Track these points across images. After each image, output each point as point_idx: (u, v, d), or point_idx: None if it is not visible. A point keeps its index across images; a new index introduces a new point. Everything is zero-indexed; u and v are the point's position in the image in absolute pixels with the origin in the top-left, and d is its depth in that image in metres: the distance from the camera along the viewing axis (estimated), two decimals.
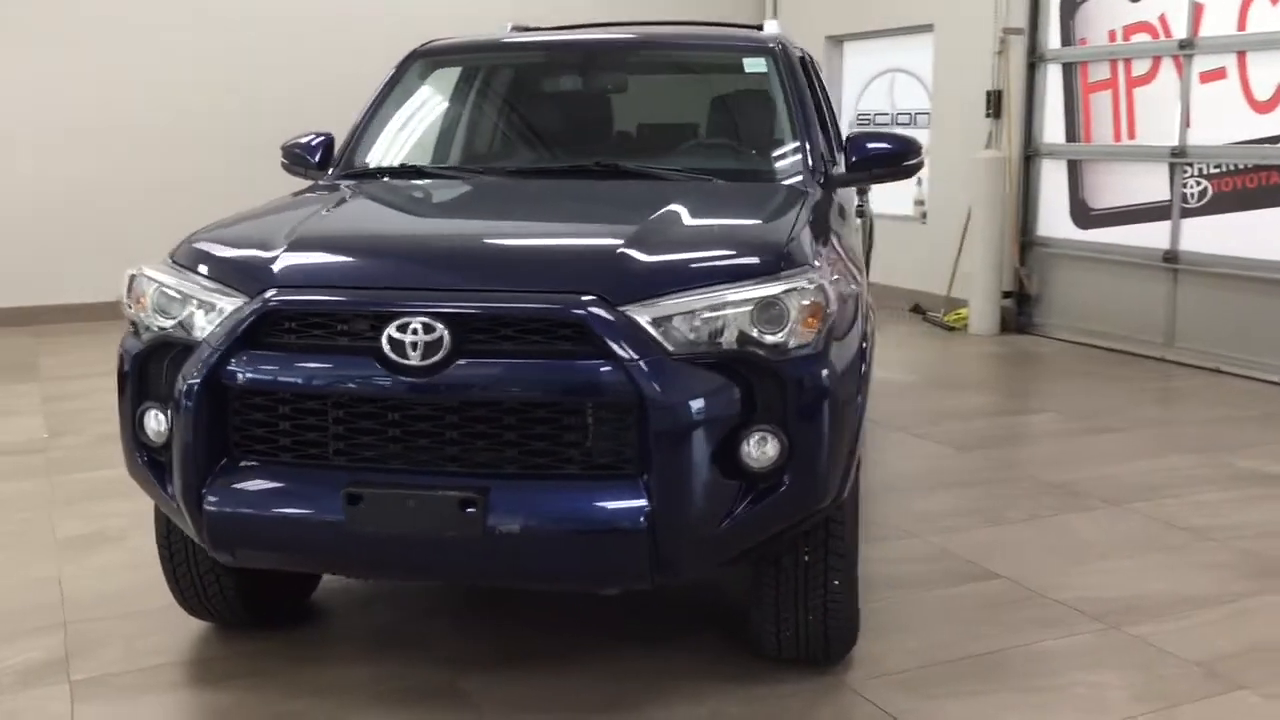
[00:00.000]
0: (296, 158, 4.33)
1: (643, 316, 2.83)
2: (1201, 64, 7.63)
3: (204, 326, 3.03)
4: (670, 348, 2.83)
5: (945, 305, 9.39)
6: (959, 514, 4.86)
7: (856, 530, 3.33)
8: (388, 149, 4.30)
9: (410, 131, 4.39)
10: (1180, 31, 7.74)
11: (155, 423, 3.12)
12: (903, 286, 9.96)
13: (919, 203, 10.09)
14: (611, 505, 2.80)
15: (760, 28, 4.81)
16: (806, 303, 2.91)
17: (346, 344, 2.90)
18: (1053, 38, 8.71)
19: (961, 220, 9.15)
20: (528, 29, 5.14)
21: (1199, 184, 7.69)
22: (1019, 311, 9.06)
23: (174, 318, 3.10)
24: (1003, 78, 8.91)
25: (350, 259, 3.21)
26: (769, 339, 2.89)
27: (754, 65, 4.24)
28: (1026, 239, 9.03)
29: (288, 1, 9.81)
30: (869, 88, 10.76)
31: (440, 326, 2.80)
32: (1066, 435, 6.22)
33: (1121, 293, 8.27)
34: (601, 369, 2.78)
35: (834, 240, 3.52)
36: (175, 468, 3.01)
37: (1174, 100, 7.82)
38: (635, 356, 2.78)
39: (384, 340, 2.82)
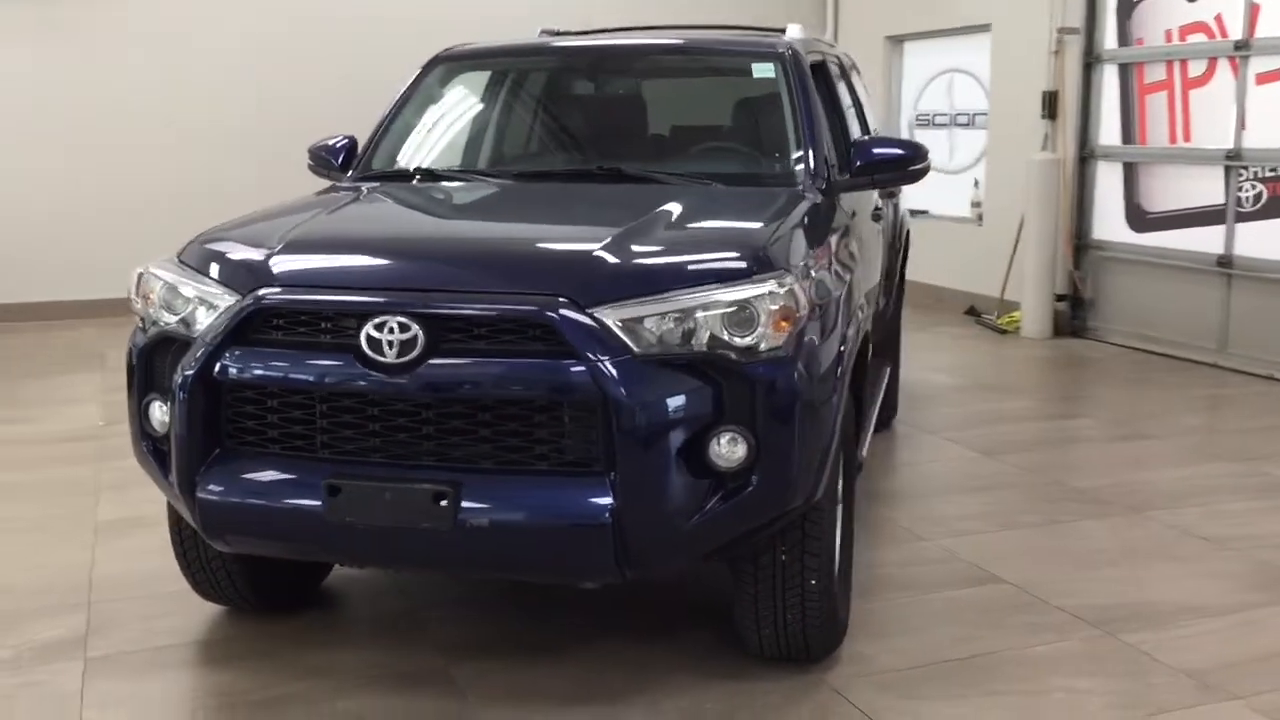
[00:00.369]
0: (321, 160, 4.48)
1: (611, 318, 2.91)
2: (1258, 65, 7.47)
3: (204, 323, 3.18)
4: (637, 349, 2.90)
5: (999, 308, 9.30)
6: (974, 518, 4.85)
7: (835, 531, 3.37)
8: (404, 152, 4.43)
9: (427, 135, 4.51)
10: (1236, 32, 7.59)
11: (159, 414, 3.28)
12: (959, 289, 9.90)
13: (976, 204, 10.00)
14: (577, 501, 2.89)
15: (783, 31, 4.85)
16: (777, 306, 2.96)
17: (329, 341, 3.02)
18: (1109, 38, 8.58)
19: (1017, 222, 9.06)
20: (558, 33, 5.24)
21: (1254, 187, 7.53)
22: (1073, 315, 8.94)
23: (177, 314, 3.25)
24: (1058, 78, 8.81)
25: (336, 260, 3.34)
26: (739, 341, 2.94)
27: (762, 70, 4.29)
28: (1081, 242, 8.91)
29: (327, 11, 10.11)
30: (928, 88, 10.69)
31: (415, 326, 2.92)
32: (1102, 441, 6.15)
33: (1175, 297, 8.12)
34: (568, 369, 2.87)
35: (828, 244, 3.56)
36: (173, 457, 3.16)
37: (1229, 102, 7.66)
38: (602, 357, 2.86)
39: (363, 338, 2.94)
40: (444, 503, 2.89)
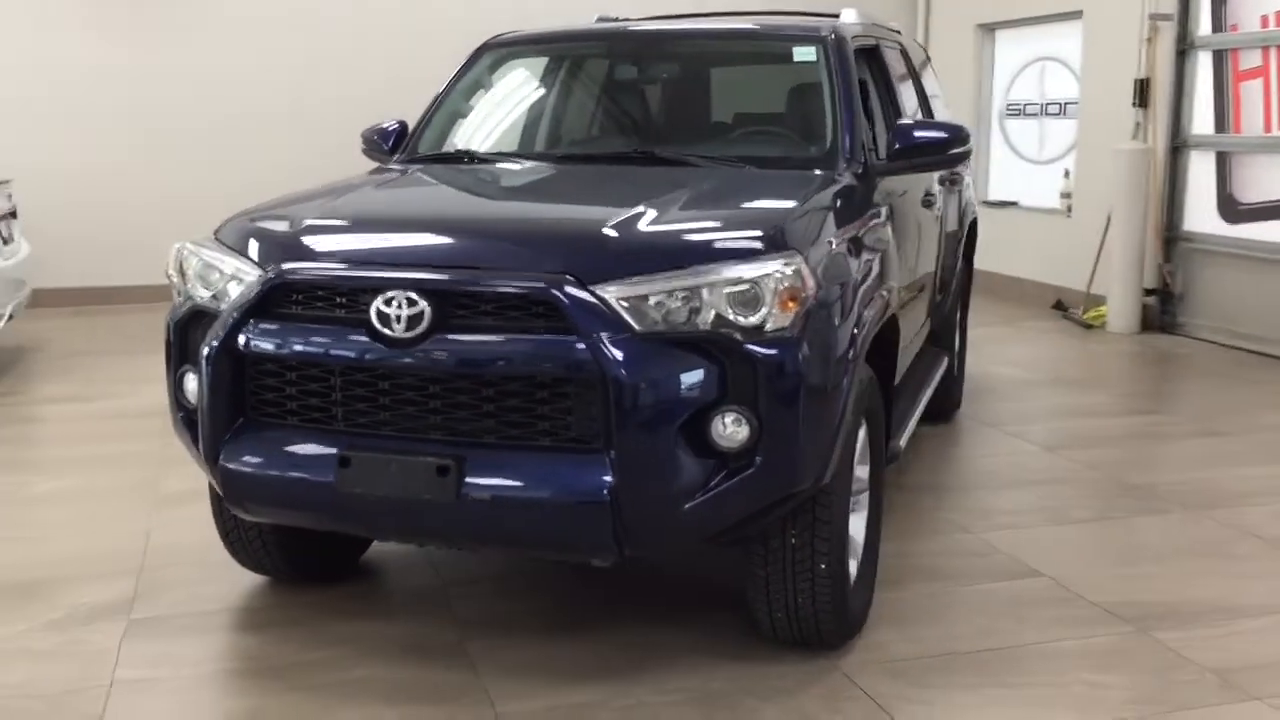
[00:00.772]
0: (373, 144, 4.60)
1: (614, 296, 2.93)
2: None
3: (233, 297, 3.29)
4: (640, 327, 2.92)
5: (1085, 302, 9.07)
6: (1022, 512, 4.76)
7: (847, 516, 3.34)
8: (448, 136, 4.51)
9: (471, 119, 4.59)
10: None
11: (193, 384, 3.41)
12: (1046, 282, 9.68)
13: (1065, 195, 9.76)
14: (577, 478, 2.92)
15: (837, 15, 4.81)
16: (784, 286, 2.95)
17: (343, 315, 3.11)
18: (1203, 24, 8.29)
19: (1107, 213, 8.82)
20: (613, 19, 5.28)
21: None
22: (1162, 310, 8.67)
23: (211, 289, 3.37)
24: (1150, 66, 8.55)
25: (355, 237, 3.42)
26: (744, 321, 2.95)
27: (804, 54, 4.26)
28: (1171, 234, 8.63)
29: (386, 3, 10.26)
30: (1019, 77, 10.45)
31: (423, 301, 2.98)
32: (1170, 438, 5.97)
33: (1268, 291, 7.82)
34: (570, 346, 2.90)
35: (853, 228, 3.53)
36: (200, 426, 3.28)
37: None
38: (602, 335, 2.88)
39: (373, 312, 3.02)
40: (448, 476, 2.95)
